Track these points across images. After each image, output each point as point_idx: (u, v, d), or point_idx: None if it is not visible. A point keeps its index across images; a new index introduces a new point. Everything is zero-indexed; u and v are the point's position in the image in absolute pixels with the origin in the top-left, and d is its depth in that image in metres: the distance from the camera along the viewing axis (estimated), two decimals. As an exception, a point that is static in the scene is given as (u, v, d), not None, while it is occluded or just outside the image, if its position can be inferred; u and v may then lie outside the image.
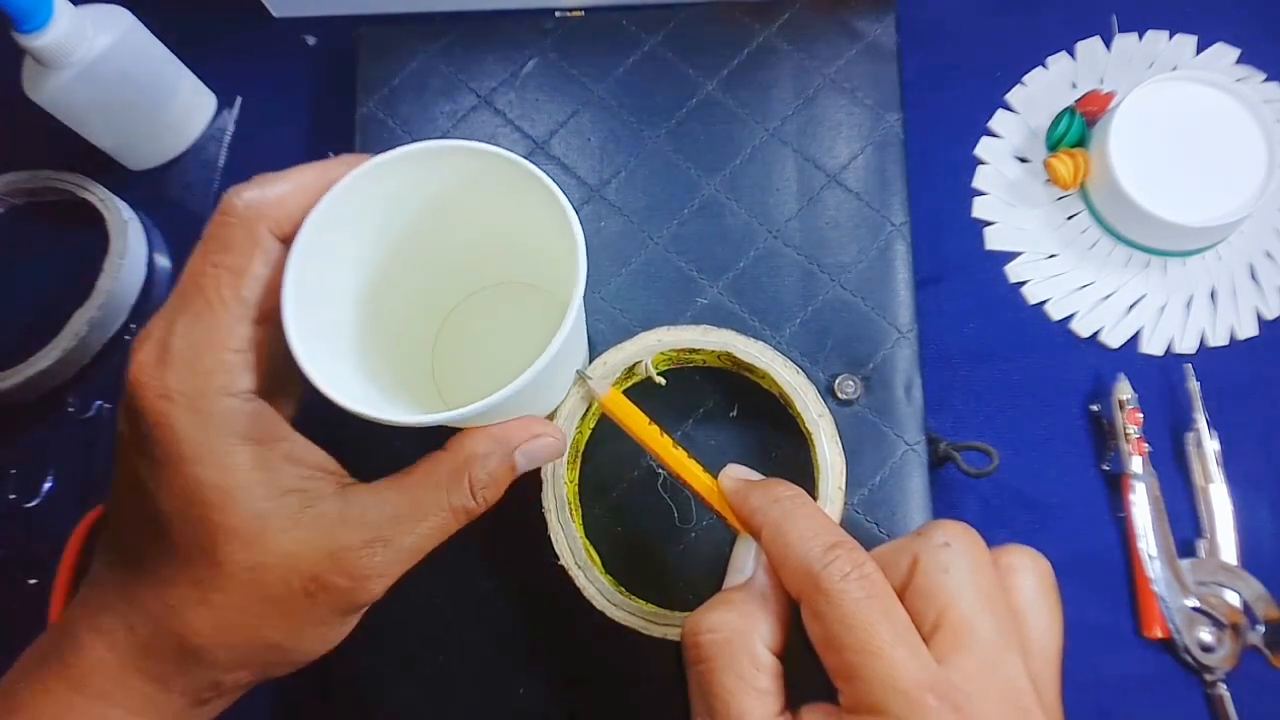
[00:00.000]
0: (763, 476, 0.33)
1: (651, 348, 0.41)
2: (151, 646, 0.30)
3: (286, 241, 0.31)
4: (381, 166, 0.32)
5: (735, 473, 0.34)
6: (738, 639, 0.28)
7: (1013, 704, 0.26)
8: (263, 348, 0.30)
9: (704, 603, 0.30)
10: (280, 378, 0.33)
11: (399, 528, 0.31)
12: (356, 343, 0.36)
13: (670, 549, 0.42)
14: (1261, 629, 0.42)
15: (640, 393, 0.43)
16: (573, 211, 0.32)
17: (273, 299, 0.30)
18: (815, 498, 0.39)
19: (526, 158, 0.33)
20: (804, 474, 0.40)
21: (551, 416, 0.39)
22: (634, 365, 0.41)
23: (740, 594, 0.30)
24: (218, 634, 0.30)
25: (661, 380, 0.42)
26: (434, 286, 0.42)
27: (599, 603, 0.39)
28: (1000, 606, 0.28)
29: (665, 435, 0.36)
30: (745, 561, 0.31)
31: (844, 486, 0.39)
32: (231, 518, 0.29)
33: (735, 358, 0.41)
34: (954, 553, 0.28)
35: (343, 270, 0.35)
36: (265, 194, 0.30)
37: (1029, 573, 0.29)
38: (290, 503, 0.30)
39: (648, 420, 0.36)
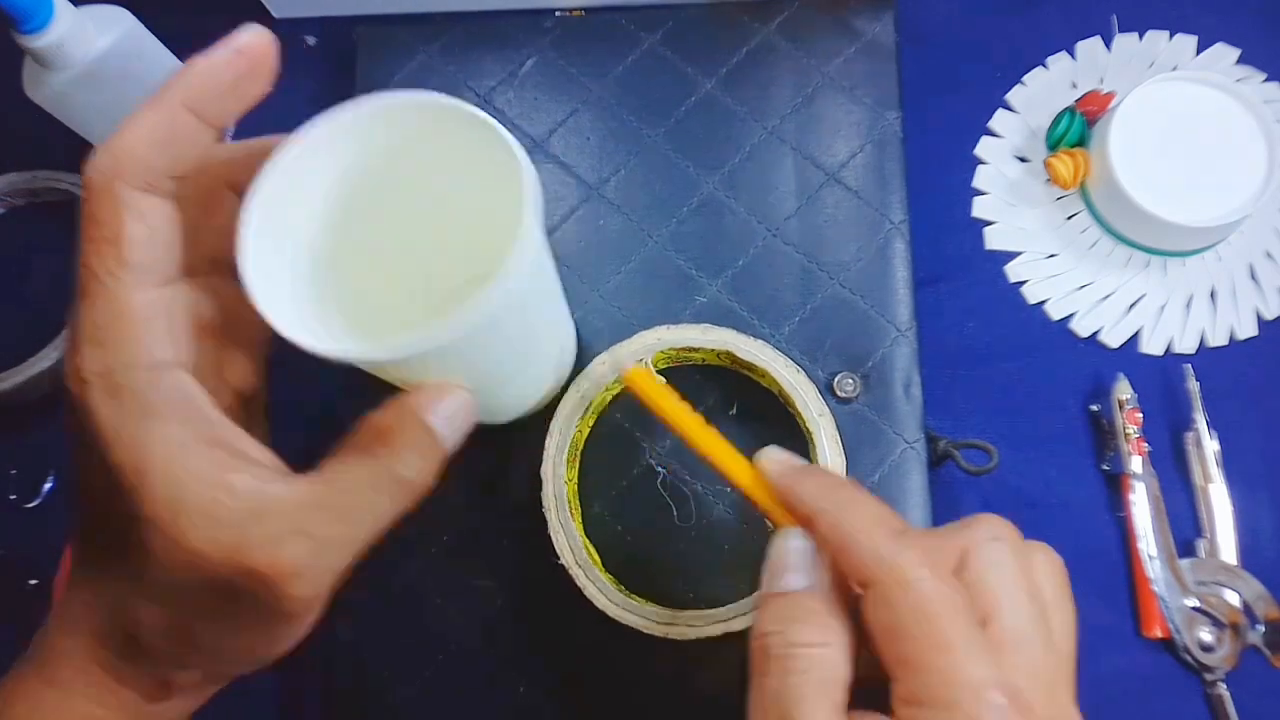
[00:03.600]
0: (804, 461, 0.32)
1: (651, 346, 0.41)
2: (106, 637, 0.29)
3: (157, 192, 0.28)
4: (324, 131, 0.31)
5: (775, 455, 0.32)
6: (826, 658, 0.27)
7: (1057, 705, 0.26)
8: (179, 313, 0.29)
9: (771, 607, 0.29)
10: (219, 352, 0.31)
11: (317, 518, 0.28)
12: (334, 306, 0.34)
13: (670, 548, 0.42)
14: (1261, 629, 0.42)
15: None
16: (504, 130, 0.30)
17: (164, 258, 0.28)
18: None
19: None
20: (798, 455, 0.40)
21: (550, 412, 0.39)
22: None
23: (818, 604, 0.28)
24: (153, 627, 0.28)
25: (661, 380, 0.42)
26: (412, 277, 0.40)
27: (600, 602, 0.39)
28: (1039, 607, 0.27)
29: (696, 414, 0.33)
30: (800, 561, 0.29)
31: None
32: (147, 506, 0.27)
33: (735, 356, 0.41)
34: (1003, 550, 0.28)
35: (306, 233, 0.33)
36: (112, 152, 0.27)
37: (1048, 570, 0.29)
38: (204, 494, 0.27)
39: (679, 397, 0.34)
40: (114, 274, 0.27)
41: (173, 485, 0.27)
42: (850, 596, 0.29)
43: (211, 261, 0.30)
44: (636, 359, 0.41)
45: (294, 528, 0.27)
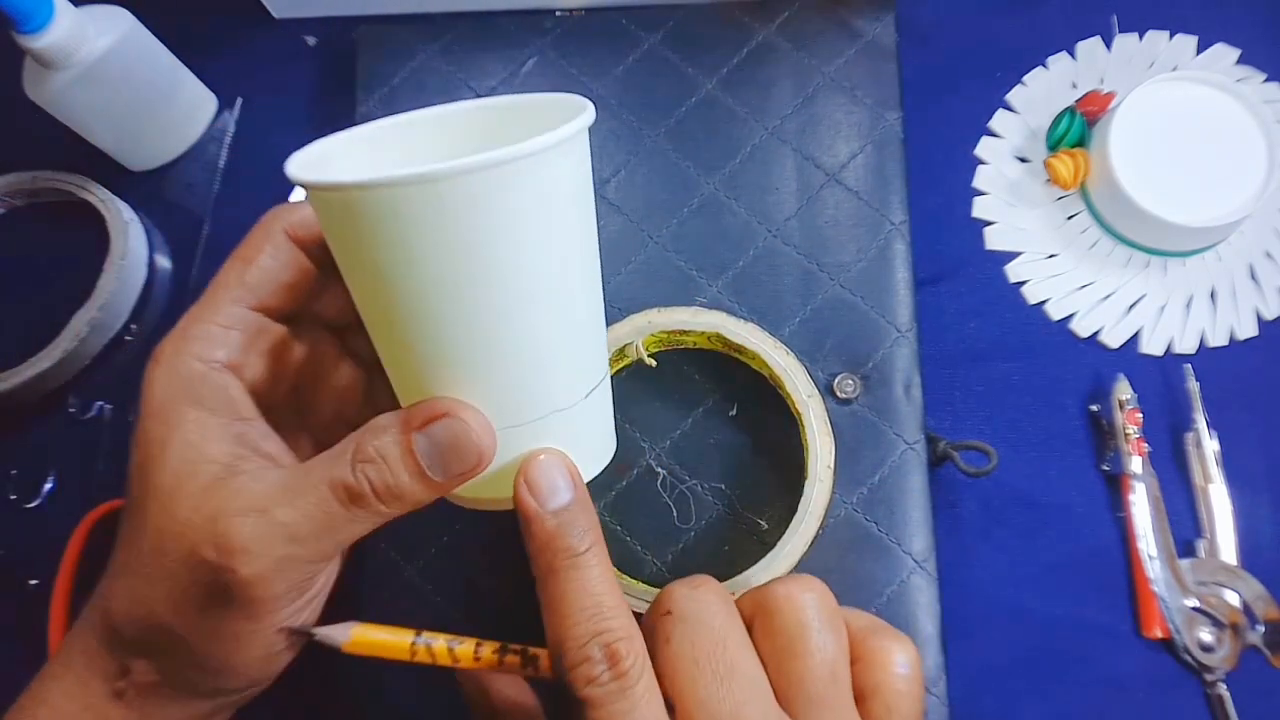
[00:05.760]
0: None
1: (642, 329, 0.42)
2: (91, 615, 0.31)
3: (300, 243, 0.32)
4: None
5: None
6: None
7: None
8: (255, 333, 0.31)
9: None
10: (280, 369, 0.33)
11: (278, 499, 0.28)
12: None
13: (670, 549, 0.42)
14: (1261, 629, 0.42)
15: (634, 380, 0.43)
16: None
17: (274, 291, 0.32)
18: (805, 477, 0.40)
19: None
20: (795, 457, 0.41)
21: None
22: (624, 347, 0.42)
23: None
24: (126, 605, 0.30)
25: (652, 362, 0.42)
26: None
27: None
28: None
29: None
30: None
31: (833, 465, 0.40)
32: (156, 474, 0.29)
33: (725, 339, 0.42)
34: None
35: None
36: (290, 205, 0.32)
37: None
38: (209, 471, 0.29)
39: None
40: (228, 285, 0.31)
41: (184, 461, 0.29)
42: None
43: (318, 318, 0.34)
44: (627, 342, 0.42)
45: (253, 504, 0.28)
